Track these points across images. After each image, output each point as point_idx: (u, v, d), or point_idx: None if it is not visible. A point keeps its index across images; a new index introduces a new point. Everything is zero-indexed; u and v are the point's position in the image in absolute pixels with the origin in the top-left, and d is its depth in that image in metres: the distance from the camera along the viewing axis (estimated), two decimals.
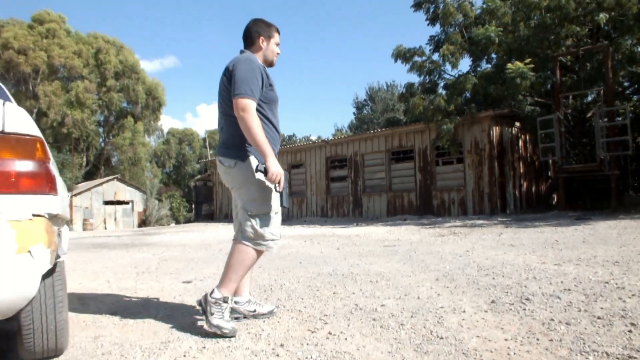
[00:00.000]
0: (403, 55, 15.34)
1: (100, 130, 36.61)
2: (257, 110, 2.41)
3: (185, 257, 6.16)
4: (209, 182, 25.50)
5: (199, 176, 31.24)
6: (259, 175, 2.37)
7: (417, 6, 16.59)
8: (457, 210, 13.75)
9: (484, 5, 14.11)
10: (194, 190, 27.34)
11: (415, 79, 34.08)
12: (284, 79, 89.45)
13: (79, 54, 32.23)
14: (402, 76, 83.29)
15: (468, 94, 13.74)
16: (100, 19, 76.63)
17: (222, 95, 2.50)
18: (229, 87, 2.42)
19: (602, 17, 11.54)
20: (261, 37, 2.60)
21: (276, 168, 2.28)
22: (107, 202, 27.42)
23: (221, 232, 11.69)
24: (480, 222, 10.40)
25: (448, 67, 14.72)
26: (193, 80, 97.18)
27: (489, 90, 12.86)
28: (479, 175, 13.31)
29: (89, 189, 26.72)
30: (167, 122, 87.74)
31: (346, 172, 16.94)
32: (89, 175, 34.42)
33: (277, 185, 2.35)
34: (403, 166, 15.27)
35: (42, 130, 31.39)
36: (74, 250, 7.85)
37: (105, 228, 26.93)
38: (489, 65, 15.27)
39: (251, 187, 2.41)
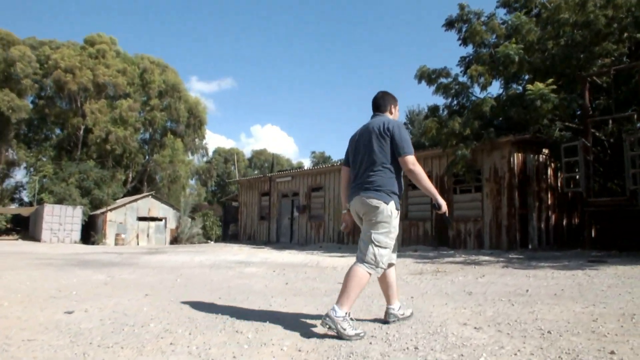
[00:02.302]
0: (427, 76, 14.61)
1: (145, 147, 37.90)
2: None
3: (138, 281, 5.79)
4: (236, 202, 25.50)
5: (229, 196, 31.41)
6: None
7: (448, 25, 15.84)
8: (472, 243, 12.68)
9: (510, 21, 13.23)
10: (223, 209, 27.44)
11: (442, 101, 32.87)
12: (324, 99, 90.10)
13: (123, 73, 33.69)
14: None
15: (489, 117, 12.76)
16: (161, 43, 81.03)
17: (372, 150, 3.14)
18: (384, 145, 3.11)
19: None
20: (392, 106, 3.40)
21: (444, 203, 3.09)
22: (140, 218, 27.99)
23: (228, 257, 10.88)
24: (486, 258, 9.39)
25: (477, 89, 13.83)
26: (248, 102, 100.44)
27: (510, 113, 11.89)
28: (497, 206, 12.23)
29: (124, 205, 27.43)
30: (221, 141, 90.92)
31: None
32: (134, 191, 35.55)
33: (446, 212, 3.13)
34: (419, 193, 14.34)
35: (88, 146, 32.97)
36: (36, 267, 7.62)
37: (138, 244, 27.48)
38: (520, 88, 14.23)
39: (386, 225, 3.06)
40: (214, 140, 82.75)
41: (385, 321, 3.28)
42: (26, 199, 34.56)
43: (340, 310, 2.85)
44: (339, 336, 2.80)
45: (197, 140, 43.26)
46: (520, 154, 12.34)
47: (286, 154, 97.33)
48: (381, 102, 3.37)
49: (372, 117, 3.36)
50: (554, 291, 4.68)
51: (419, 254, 10.99)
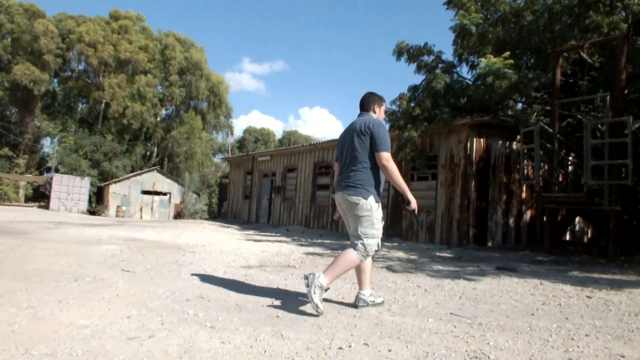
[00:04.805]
0: (407, 52, 13.08)
1: (165, 123, 38.28)
2: None
3: None
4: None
5: (225, 174, 31.11)
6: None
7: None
8: (424, 235, 11.30)
9: None
10: (219, 187, 27.12)
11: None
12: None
13: (145, 49, 33.90)
14: None
15: (448, 97, 11.17)
16: (215, 24, 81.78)
17: (354, 147, 3.41)
18: (364, 142, 3.37)
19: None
20: (375, 106, 3.63)
21: (414, 200, 3.48)
22: (145, 192, 28.30)
23: (190, 235, 10.17)
24: (400, 254, 8.11)
25: (465, 68, 12.13)
26: (299, 84, 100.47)
27: (469, 92, 10.32)
28: (450, 197, 10.77)
29: (128, 178, 27.79)
30: (269, 122, 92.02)
31: (328, 180, 15.10)
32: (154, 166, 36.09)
33: (414, 210, 3.48)
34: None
35: (108, 120, 33.65)
36: None
37: (142, 217, 27.82)
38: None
39: (368, 218, 3.36)
40: (262, 120, 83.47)
41: (354, 305, 3.49)
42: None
43: (323, 278, 3.20)
44: (310, 299, 3.16)
45: (222, 118, 43.29)
46: (482, 139, 10.74)
47: (332, 137, 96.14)
48: (365, 103, 3.64)
49: (358, 116, 3.64)
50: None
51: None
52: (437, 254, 8.69)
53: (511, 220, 11.22)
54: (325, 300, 3.46)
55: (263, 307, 3.51)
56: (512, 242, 11.12)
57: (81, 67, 33.79)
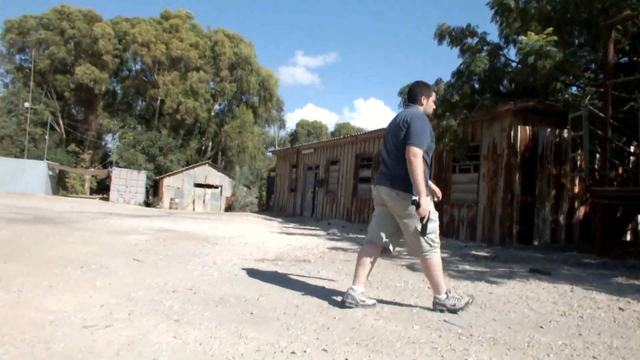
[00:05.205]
0: (449, 34, 12.41)
1: (218, 118, 39.25)
2: (422, 157, 3.13)
3: None
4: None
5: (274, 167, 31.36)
6: (412, 208, 3.08)
7: None
8: (465, 232, 10.69)
9: None
10: (268, 180, 27.38)
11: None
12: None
13: (195, 46, 34.84)
14: None
15: (490, 81, 10.44)
16: (268, 18, 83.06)
17: (395, 142, 3.26)
18: (402, 135, 3.18)
19: None
20: (423, 97, 3.37)
21: (425, 205, 3.02)
22: (197, 185, 29.16)
23: (226, 227, 10.48)
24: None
25: (513, 50, 11.33)
26: (353, 75, 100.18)
27: (511, 76, 9.60)
28: (492, 190, 10.08)
29: (181, 171, 28.74)
30: (324, 115, 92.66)
31: (370, 173, 14.72)
32: (213, 160, 37.17)
33: (423, 218, 3.07)
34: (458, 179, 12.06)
35: (163, 116, 34.99)
36: None
37: (194, 209, 28.72)
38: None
39: (414, 214, 3.12)
40: (316, 113, 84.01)
41: (342, 302, 3.27)
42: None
43: (442, 296, 3.25)
44: (453, 311, 3.23)
45: (274, 111, 43.82)
46: (527, 127, 9.93)
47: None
48: (412, 93, 3.43)
49: (405, 107, 3.48)
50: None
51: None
52: (473, 252, 8.15)
53: (562, 217, 10.33)
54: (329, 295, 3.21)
55: (244, 303, 3.33)
56: (563, 242, 10.24)
57: (137, 66, 35.38)
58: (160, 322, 2.71)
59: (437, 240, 3.28)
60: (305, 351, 2.29)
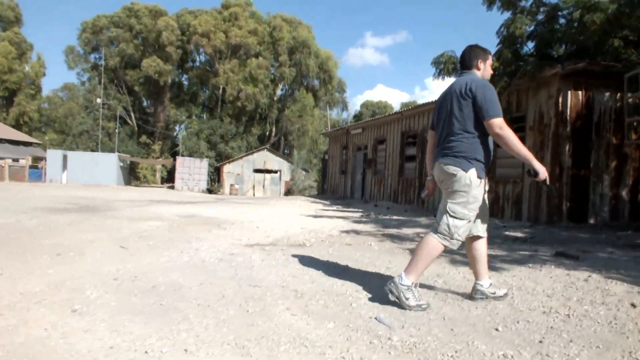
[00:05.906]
0: None
1: (279, 103, 39.62)
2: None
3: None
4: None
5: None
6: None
7: None
8: (510, 211, 9.77)
9: None
10: (322, 163, 27.16)
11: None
12: None
13: (254, 33, 35.19)
14: None
15: (534, 44, 9.31)
16: (332, 3, 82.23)
17: (453, 114, 2.88)
18: (466, 107, 2.81)
19: None
20: (479, 62, 2.99)
21: (543, 169, 2.74)
22: (257, 170, 29.71)
23: (254, 211, 10.39)
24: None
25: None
26: (423, 54, 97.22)
27: (557, 36, 8.48)
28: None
29: (240, 158, 29.40)
30: (394, 95, 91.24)
31: (415, 151, 13.95)
32: (272, 146, 37.87)
33: (545, 180, 2.76)
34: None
35: (226, 104, 35.91)
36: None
37: (254, 194, 29.35)
38: None
39: (463, 194, 2.82)
40: (386, 94, 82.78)
41: (470, 296, 3.08)
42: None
43: (406, 279, 2.83)
44: (400, 304, 2.78)
45: (336, 94, 43.45)
46: (579, 92, 8.74)
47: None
48: (466, 58, 3.05)
49: (459, 75, 3.08)
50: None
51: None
52: (507, 232, 7.36)
53: (624, 192, 9.06)
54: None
55: (171, 292, 3.13)
56: (626, 219, 9.01)
57: (201, 57, 36.53)
58: (52, 313, 2.56)
59: (458, 237, 2.85)
60: (162, 351, 2.01)
